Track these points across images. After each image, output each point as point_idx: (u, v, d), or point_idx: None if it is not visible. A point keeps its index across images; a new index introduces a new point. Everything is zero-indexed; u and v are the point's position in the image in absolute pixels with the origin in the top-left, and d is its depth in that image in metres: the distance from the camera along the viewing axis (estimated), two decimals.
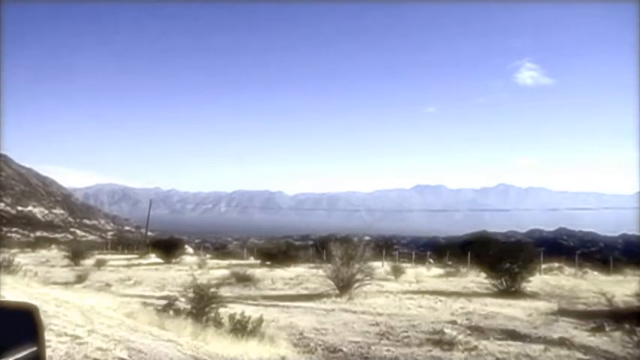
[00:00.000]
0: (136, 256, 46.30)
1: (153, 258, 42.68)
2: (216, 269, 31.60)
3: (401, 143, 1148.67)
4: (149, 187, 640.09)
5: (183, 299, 14.82)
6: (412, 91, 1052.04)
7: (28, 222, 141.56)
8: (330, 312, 14.68)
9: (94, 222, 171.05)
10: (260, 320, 10.14)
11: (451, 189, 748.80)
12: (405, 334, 11.21)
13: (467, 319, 13.24)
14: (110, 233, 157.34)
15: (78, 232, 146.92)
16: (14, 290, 13.43)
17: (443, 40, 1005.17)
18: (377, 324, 12.44)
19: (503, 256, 20.11)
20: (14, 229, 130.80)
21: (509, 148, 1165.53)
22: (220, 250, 53.37)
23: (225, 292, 21.19)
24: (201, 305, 11.03)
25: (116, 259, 39.81)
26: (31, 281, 17.49)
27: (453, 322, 12.67)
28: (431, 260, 36.53)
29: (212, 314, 10.91)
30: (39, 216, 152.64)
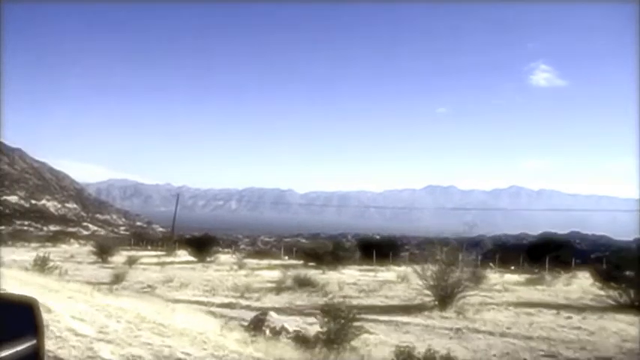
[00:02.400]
0: (162, 253, 43.60)
1: (183, 256, 39.98)
2: (262, 270, 28.72)
3: (412, 143, 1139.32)
4: (160, 184, 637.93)
5: (274, 314, 11.98)
6: (423, 91, 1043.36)
7: (42, 216, 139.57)
8: (456, 332, 11.79)
9: (107, 217, 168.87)
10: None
11: (462, 190, 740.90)
12: None
13: None
14: (122, 228, 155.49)
15: (90, 226, 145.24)
16: (72, 301, 10.63)
17: (455, 42, 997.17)
18: (548, 354, 9.44)
19: (620, 264, 17.04)
20: (27, 223, 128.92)
21: (521, 149, 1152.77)
22: (252, 248, 50.42)
23: (292, 299, 18.36)
24: (339, 330, 8.03)
25: (144, 256, 37.06)
26: (88, 288, 14.73)
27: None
28: (491, 265, 33.42)
29: (352, 341, 7.96)
30: (52, 210, 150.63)
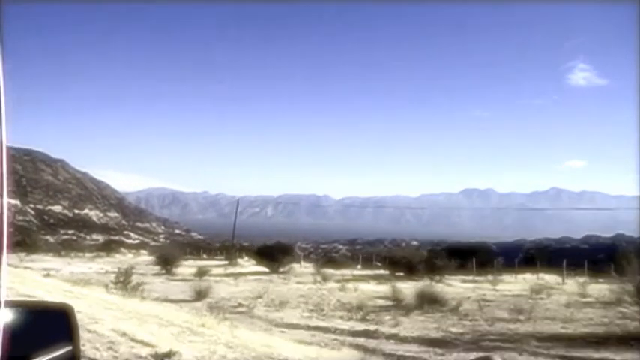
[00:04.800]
0: (223, 262, 40.45)
1: (249, 265, 36.70)
2: (354, 282, 24.93)
3: (448, 147, 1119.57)
4: (198, 192, 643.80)
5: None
6: (460, 93, 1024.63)
7: (85, 225, 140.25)
8: None
9: (146, 225, 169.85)
10: None
11: (500, 193, 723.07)
12: None
13: None
14: (161, 236, 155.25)
15: (132, 234, 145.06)
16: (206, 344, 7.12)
17: (491, 42, 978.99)
18: None
19: None
20: (71, 232, 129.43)
21: (560, 150, 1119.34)
22: (325, 257, 46.65)
23: (434, 323, 14.50)
24: None
25: (209, 266, 33.79)
26: (188, 315, 11.32)
27: None
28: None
29: None
30: (94, 219, 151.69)
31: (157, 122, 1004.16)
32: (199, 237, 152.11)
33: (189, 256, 48.23)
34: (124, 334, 6.30)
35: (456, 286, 23.01)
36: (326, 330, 13.45)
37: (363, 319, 15.29)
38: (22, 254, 40.35)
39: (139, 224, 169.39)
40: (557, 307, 16.63)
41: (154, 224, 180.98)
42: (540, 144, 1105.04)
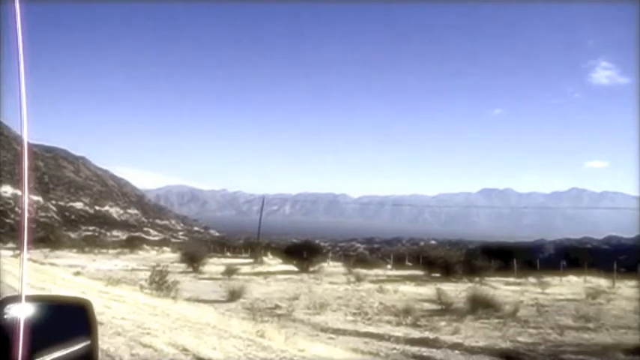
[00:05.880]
0: (249, 260, 39.53)
1: (276, 265, 35.70)
2: (391, 284, 23.74)
3: (467, 146, 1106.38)
4: (216, 189, 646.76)
5: None
6: (478, 92, 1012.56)
7: (105, 221, 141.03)
8: None
9: (166, 222, 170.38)
10: None
11: (520, 193, 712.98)
12: None
13: None
14: (180, 233, 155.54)
15: (151, 231, 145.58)
16: None
17: (509, 40, 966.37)
18: None
19: None
20: (92, 228, 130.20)
21: (581, 150, 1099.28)
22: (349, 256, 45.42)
23: (495, 331, 13.28)
24: None
25: (236, 265, 32.84)
26: (235, 320, 10.29)
27: None
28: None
29: None
30: (115, 216, 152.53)
31: (177, 121, 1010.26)
32: (218, 234, 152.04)
33: (213, 253, 47.44)
34: (185, 351, 5.28)
35: (500, 289, 21.67)
36: (379, 337, 12.34)
37: (415, 325, 14.16)
38: (46, 250, 39.99)
39: (158, 221, 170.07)
40: (623, 314, 15.27)
41: (173, 221, 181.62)
42: (561, 144, 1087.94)
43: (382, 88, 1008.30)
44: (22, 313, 1.25)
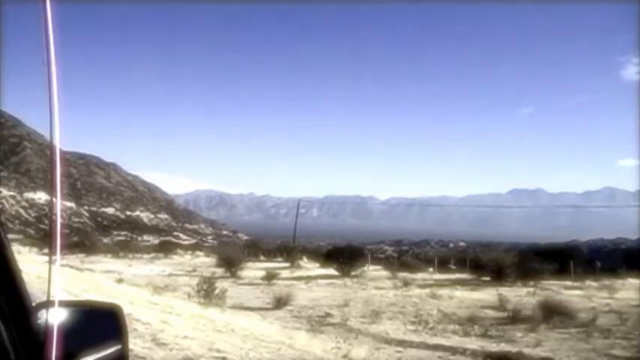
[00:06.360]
0: (284, 264, 38.56)
1: (314, 269, 34.67)
2: (442, 289, 22.38)
3: (496, 146, 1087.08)
4: (244, 193, 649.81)
5: None
6: (506, 91, 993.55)
7: (136, 226, 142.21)
8: None
9: (195, 226, 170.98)
10: None
11: (551, 193, 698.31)
12: None
13: None
14: (209, 237, 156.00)
15: (181, 235, 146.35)
16: None
17: (537, 37, 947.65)
18: None
19: None
20: (124, 233, 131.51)
21: (614, 148, 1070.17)
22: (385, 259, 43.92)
23: (582, 344, 11.90)
24: None
25: (274, 269, 31.86)
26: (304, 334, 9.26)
27: None
28: None
29: None
30: (145, 220, 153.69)
31: (205, 125, 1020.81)
32: (246, 238, 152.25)
33: (247, 257, 46.67)
34: None
35: (563, 294, 20.12)
36: (452, 350, 11.11)
37: (486, 336, 12.89)
38: (82, 256, 39.74)
39: (187, 225, 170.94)
40: None
41: (202, 225, 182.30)
42: (592, 142, 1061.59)
43: (410, 89, 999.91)
44: (55, 318, 1.26)
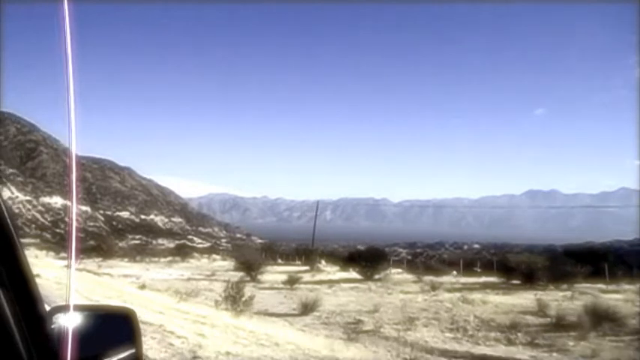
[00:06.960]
0: (303, 268, 37.85)
1: (335, 272, 33.88)
2: (472, 293, 21.46)
3: (510, 147, 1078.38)
4: (257, 196, 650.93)
5: None
6: (519, 92, 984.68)
7: (150, 230, 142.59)
8: None
9: (209, 230, 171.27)
10: None
11: (566, 194, 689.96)
12: None
13: None
14: (223, 240, 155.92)
15: (195, 238, 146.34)
16: None
17: (551, 37, 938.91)
18: None
19: None
20: (138, 237, 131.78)
21: (630, 148, 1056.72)
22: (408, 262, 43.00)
23: None
24: None
25: (294, 273, 31.11)
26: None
27: None
28: None
29: None
30: (160, 224, 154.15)
31: (219, 130, 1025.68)
32: (260, 241, 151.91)
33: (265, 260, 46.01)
34: None
35: (602, 298, 19.12)
36: None
37: (534, 345, 12.00)
38: (98, 260, 39.39)
39: (201, 229, 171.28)
40: None
41: (216, 229, 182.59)
42: (607, 143, 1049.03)
43: (423, 91, 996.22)
44: (69, 322, 1.28)
